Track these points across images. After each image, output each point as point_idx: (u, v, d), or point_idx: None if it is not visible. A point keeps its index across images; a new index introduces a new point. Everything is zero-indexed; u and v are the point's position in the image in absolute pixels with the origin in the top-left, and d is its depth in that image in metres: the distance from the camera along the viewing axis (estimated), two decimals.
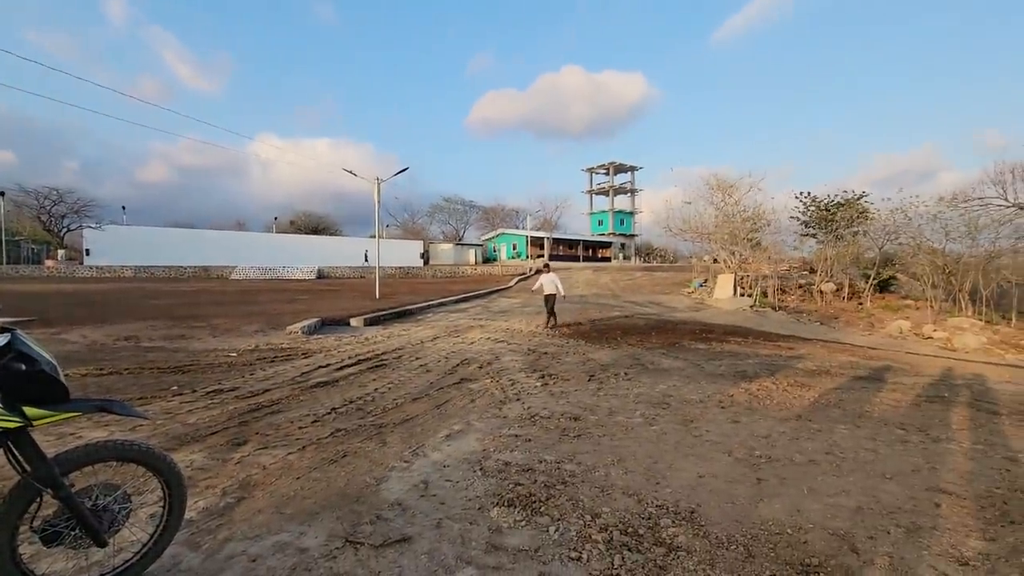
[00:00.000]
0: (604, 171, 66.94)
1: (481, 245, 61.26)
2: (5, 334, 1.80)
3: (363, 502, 2.96)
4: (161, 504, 2.29)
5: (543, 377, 6.40)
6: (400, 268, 43.71)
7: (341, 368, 6.74)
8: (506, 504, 2.90)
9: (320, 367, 6.77)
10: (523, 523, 2.70)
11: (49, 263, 38.95)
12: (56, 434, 3.96)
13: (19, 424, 1.78)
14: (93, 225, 40.55)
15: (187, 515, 2.64)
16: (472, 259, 55.76)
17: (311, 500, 3.00)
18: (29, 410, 1.80)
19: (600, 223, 67.70)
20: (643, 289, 25.42)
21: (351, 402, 5.16)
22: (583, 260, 57.36)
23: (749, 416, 4.86)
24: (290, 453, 3.75)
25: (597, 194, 68.95)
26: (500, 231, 59.43)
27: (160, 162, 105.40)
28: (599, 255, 62.74)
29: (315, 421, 4.54)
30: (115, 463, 2.13)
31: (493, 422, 4.55)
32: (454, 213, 69.78)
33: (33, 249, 43.85)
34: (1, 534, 1.85)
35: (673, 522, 2.77)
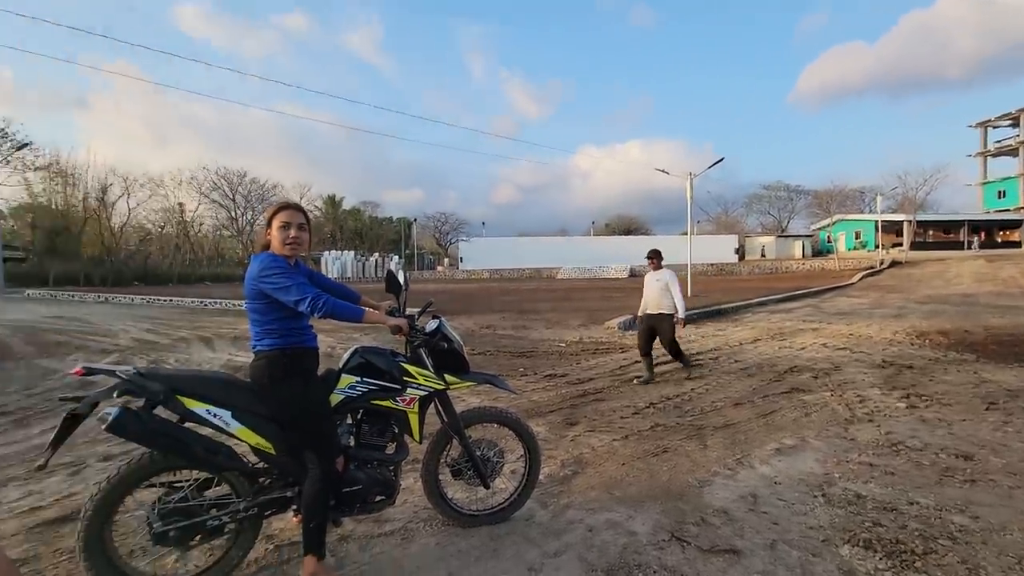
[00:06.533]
0: (1010, 122, 48.23)
1: (811, 235, 52.71)
2: (435, 320, 2.56)
3: (687, 501, 2.97)
4: (523, 464, 2.82)
5: (908, 397, 5.09)
6: (712, 265, 41.57)
7: (656, 364, 6.87)
8: (861, 544, 2.44)
9: (636, 361, 7.06)
10: (889, 574, 2.22)
11: (439, 269, 53.16)
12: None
13: (442, 387, 2.49)
14: (465, 239, 53.85)
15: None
16: (798, 252, 48.49)
17: (635, 488, 3.18)
18: (448, 377, 2.51)
19: (1001, 195, 49.24)
20: None
21: (668, 399, 5.22)
22: (968, 247, 42.70)
23: None
24: (615, 439, 4.06)
25: (996, 155, 50.32)
26: (837, 218, 49.77)
27: (506, 184, 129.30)
28: (999, 239, 45.69)
29: (635, 413, 4.78)
30: (495, 425, 2.75)
31: (837, 443, 3.88)
32: (775, 202, 62.25)
33: (430, 259, 60.26)
34: (431, 461, 2.63)
35: None
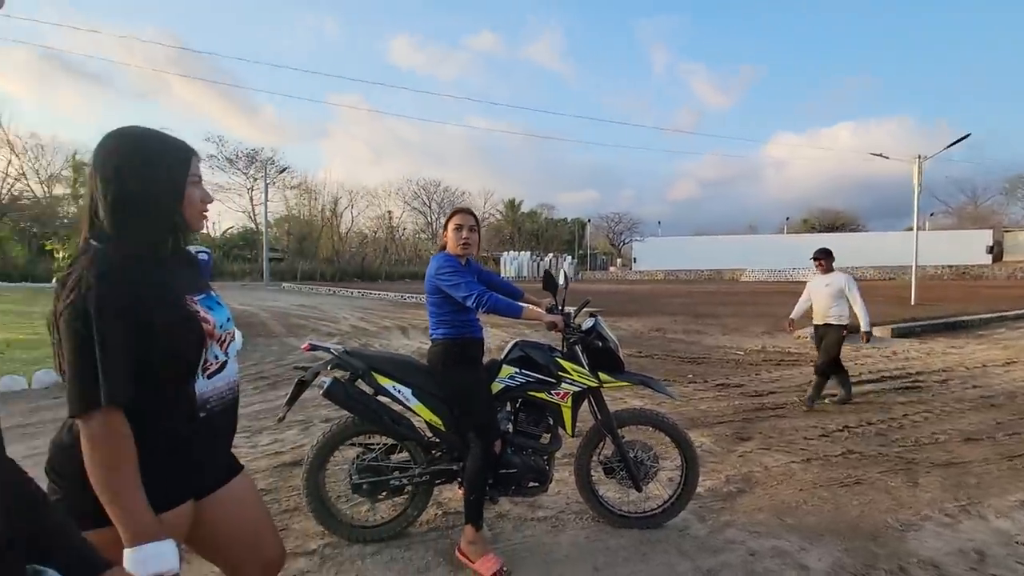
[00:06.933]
0: None
1: None
2: (591, 319, 2.63)
3: (881, 544, 2.53)
4: (679, 472, 2.72)
5: None
6: (951, 267, 33.77)
7: (858, 383, 5.90)
8: None
9: None
10: None
11: (611, 269, 52.85)
12: (608, 396, 5.31)
13: (596, 384, 2.55)
14: (639, 239, 52.71)
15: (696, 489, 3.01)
16: None
17: (814, 518, 2.81)
18: (601, 375, 2.55)
19: None
20: None
21: (869, 424, 4.46)
22: None
23: None
24: (793, 461, 3.63)
25: None
26: None
27: (685, 180, 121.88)
28: None
29: (823, 435, 4.20)
30: (650, 428, 2.70)
31: None
32: None
33: (602, 259, 60.15)
34: (584, 456, 2.69)
35: None
